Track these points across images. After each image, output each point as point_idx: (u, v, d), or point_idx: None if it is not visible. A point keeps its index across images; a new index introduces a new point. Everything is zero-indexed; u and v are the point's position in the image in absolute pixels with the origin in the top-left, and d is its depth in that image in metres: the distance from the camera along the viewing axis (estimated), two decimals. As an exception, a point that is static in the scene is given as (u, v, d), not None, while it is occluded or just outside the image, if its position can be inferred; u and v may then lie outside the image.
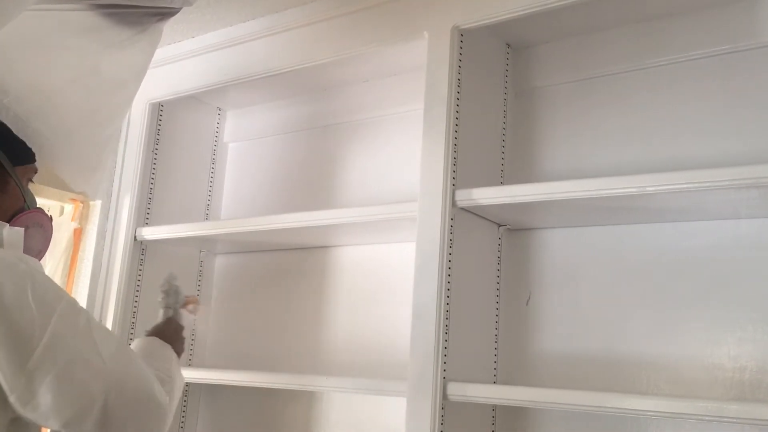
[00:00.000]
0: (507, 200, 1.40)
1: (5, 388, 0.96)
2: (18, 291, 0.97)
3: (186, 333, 1.53)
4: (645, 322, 1.44)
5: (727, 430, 1.31)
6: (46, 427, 1.02)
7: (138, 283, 1.93)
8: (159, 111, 2.01)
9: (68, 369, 0.99)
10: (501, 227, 1.61)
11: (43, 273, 1.07)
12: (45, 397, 0.96)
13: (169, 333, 1.44)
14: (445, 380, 1.38)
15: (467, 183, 1.47)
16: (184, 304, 1.57)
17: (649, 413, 1.19)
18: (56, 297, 1.02)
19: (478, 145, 1.56)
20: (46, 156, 1.41)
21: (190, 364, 2.02)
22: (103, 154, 1.58)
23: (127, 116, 1.97)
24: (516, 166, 1.64)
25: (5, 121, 1.28)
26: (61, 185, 1.86)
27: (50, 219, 1.31)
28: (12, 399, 0.96)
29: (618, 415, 1.41)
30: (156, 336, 1.41)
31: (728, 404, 1.12)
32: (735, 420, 1.11)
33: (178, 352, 1.42)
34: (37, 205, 1.29)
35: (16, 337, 0.95)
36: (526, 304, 1.59)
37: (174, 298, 1.53)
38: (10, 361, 0.95)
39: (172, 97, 1.97)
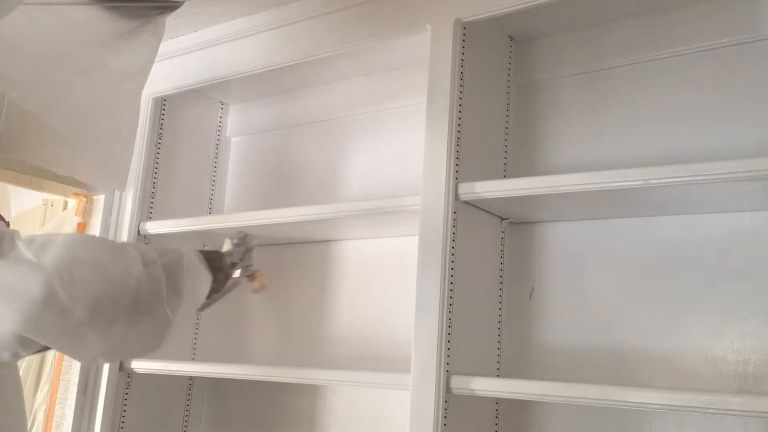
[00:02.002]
0: (510, 193, 1.40)
1: None
2: None
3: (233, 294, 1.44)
4: (648, 315, 1.44)
5: (730, 423, 1.31)
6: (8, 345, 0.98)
7: (141, 277, 1.93)
8: (162, 105, 2.01)
9: None
10: (504, 220, 1.61)
11: None
12: None
13: (214, 260, 1.35)
14: (448, 373, 1.38)
15: (470, 176, 1.46)
16: (251, 275, 1.47)
17: (652, 406, 1.18)
18: None
19: (481, 139, 1.55)
20: (56, 149, 1.40)
21: (193, 359, 2.02)
22: (121, 145, 1.57)
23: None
24: (519, 160, 1.64)
25: (13, 116, 1.27)
26: (64, 180, 1.86)
27: (6, 222, 1.27)
28: None
29: (621, 408, 1.41)
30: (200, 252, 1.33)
31: (732, 397, 1.12)
32: (738, 413, 1.11)
33: (216, 285, 1.34)
34: None
35: None
36: (530, 298, 1.59)
37: (241, 255, 1.43)
38: None
39: (174, 91, 1.97)
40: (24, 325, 0.95)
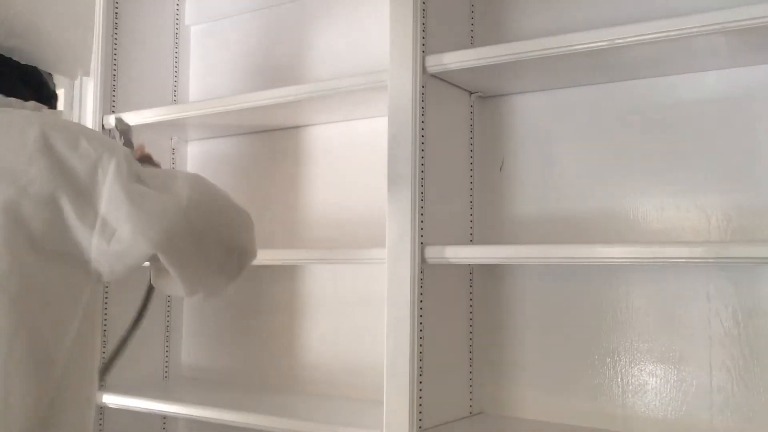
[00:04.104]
0: (478, 63, 1.38)
1: (83, 236, 0.96)
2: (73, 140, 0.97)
3: None
4: (617, 179, 1.47)
5: (694, 275, 1.37)
6: (138, 258, 1.00)
7: (111, 172, 1.91)
8: (114, -8, 1.94)
9: (138, 196, 0.98)
10: (473, 95, 1.61)
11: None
12: (124, 226, 0.96)
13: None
14: (422, 245, 1.42)
15: (437, 48, 1.45)
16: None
17: (619, 260, 1.23)
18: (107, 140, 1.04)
19: (447, 9, 1.52)
20: (22, 37, 1.33)
21: (171, 250, 2.04)
22: (82, 28, 1.49)
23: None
24: (486, 29, 1.61)
25: None
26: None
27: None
28: (94, 241, 0.96)
29: (590, 266, 1.46)
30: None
31: (695, 247, 1.17)
32: (700, 260, 1.16)
33: None
34: None
35: (80, 184, 0.96)
36: (500, 170, 1.61)
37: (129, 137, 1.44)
38: (78, 207, 0.95)
39: (125, -23, 1.89)
40: (163, 244, 0.97)
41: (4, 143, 0.96)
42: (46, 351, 0.94)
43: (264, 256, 1.68)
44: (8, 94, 1.05)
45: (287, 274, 1.89)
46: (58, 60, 1.21)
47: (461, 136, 1.59)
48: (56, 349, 0.96)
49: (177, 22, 2.10)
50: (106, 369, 1.39)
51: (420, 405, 1.40)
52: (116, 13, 1.93)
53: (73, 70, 1.27)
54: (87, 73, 1.58)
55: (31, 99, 1.08)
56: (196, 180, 1.08)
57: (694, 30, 1.16)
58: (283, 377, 1.88)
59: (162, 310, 2.03)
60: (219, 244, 1.06)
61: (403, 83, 1.43)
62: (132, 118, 1.86)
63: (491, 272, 1.59)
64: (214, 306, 2.03)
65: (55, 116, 1.10)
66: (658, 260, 1.19)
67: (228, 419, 1.62)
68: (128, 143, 1.40)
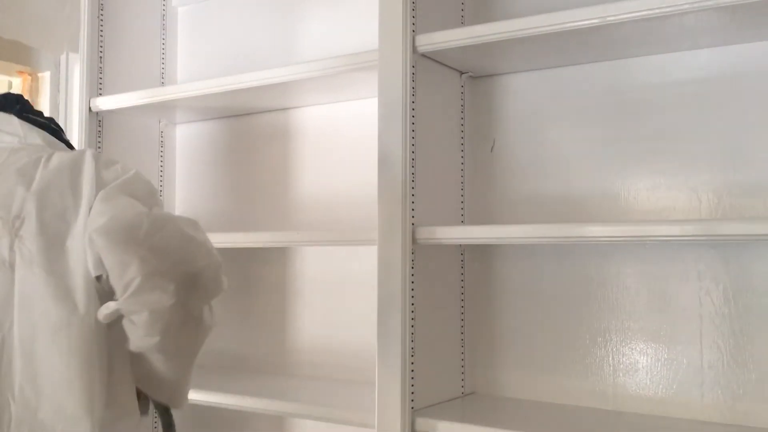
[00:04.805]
0: (469, 42, 1.37)
1: None
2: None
3: None
4: (607, 158, 1.47)
5: (684, 254, 1.37)
6: (86, 240, 1.08)
7: (99, 156, 1.89)
8: (99, -28, 1.90)
9: (113, 196, 1.10)
10: (463, 75, 1.60)
11: None
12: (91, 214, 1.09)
13: None
14: (413, 226, 1.41)
15: (427, 28, 1.43)
16: None
17: (609, 239, 1.23)
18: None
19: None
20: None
21: (160, 234, 2.02)
22: (68, 6, 1.46)
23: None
24: (477, 8, 1.60)
25: None
26: (10, 55, 1.77)
27: None
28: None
29: (581, 245, 1.46)
30: None
31: (686, 225, 1.17)
32: (691, 238, 1.16)
33: None
34: None
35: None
36: (491, 151, 1.60)
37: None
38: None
39: (111, -44, 1.86)
40: (104, 226, 1.06)
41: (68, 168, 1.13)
42: (102, 338, 1.10)
43: (254, 239, 1.68)
44: None
45: (278, 256, 1.88)
46: (42, 35, 1.21)
47: (452, 117, 1.58)
48: (104, 338, 1.11)
49: (164, 2, 2.08)
50: None
51: (412, 386, 1.40)
52: (102, -7, 1.91)
53: (57, 46, 1.28)
54: (74, 49, 1.56)
55: None
56: (182, 216, 1.17)
57: (686, 6, 1.15)
58: (274, 360, 1.88)
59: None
60: (163, 255, 1.07)
61: (393, 63, 1.41)
62: (119, 100, 1.85)
63: (482, 252, 1.58)
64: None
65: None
66: (648, 239, 1.19)
67: (219, 402, 1.62)
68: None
